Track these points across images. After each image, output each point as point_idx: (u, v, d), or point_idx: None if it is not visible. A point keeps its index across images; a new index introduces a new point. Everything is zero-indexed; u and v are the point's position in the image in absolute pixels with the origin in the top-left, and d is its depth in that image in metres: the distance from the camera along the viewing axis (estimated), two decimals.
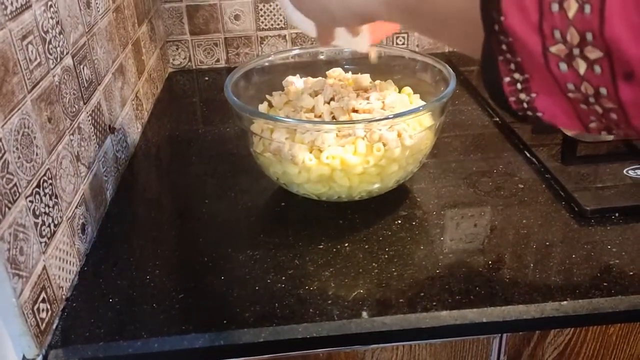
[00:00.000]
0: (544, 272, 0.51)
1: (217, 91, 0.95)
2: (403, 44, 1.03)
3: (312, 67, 0.71)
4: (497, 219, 0.59)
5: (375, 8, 0.35)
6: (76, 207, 0.53)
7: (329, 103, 0.61)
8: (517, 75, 0.27)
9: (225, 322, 0.47)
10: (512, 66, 0.27)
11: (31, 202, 0.44)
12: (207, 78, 1.00)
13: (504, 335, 0.50)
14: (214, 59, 1.02)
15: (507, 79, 0.28)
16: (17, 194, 0.42)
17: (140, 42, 0.82)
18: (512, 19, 0.25)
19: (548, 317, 0.48)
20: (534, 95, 0.28)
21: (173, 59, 1.01)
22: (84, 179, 0.56)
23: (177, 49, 1.01)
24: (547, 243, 0.55)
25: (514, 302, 0.48)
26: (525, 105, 0.29)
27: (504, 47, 0.27)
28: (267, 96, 0.67)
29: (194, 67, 1.03)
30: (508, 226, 0.57)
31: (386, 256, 0.54)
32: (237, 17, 0.99)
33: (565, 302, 0.48)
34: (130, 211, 0.63)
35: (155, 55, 0.91)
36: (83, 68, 0.58)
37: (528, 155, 0.69)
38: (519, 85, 0.28)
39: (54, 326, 0.47)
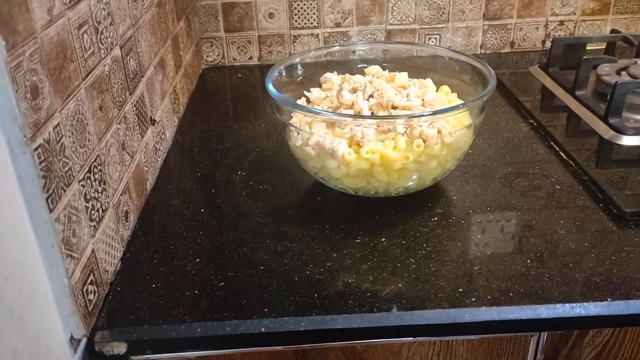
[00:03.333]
0: (584, 272, 0.51)
1: (250, 88, 0.97)
2: (435, 45, 1.03)
3: (348, 66, 0.72)
4: (534, 218, 0.59)
5: None
6: (121, 195, 0.55)
7: (368, 100, 0.62)
8: None
9: (266, 310, 0.48)
10: None
11: (83, 186, 0.46)
12: (239, 75, 1.01)
13: (542, 333, 0.50)
14: (247, 57, 1.03)
15: None
16: (72, 178, 0.43)
17: (178, 37, 0.83)
18: None
19: (588, 316, 0.48)
20: None
21: (207, 56, 1.03)
22: (128, 168, 0.57)
23: (212, 46, 1.02)
24: (586, 244, 0.55)
25: (554, 301, 0.48)
26: None
27: None
28: (305, 92, 0.68)
29: (226, 64, 1.04)
30: (545, 226, 0.57)
31: (423, 252, 0.54)
32: (271, 15, 1.00)
33: (605, 302, 0.48)
34: (169, 202, 0.64)
35: (191, 51, 0.93)
36: (129, 59, 0.59)
37: (564, 157, 0.69)
38: None
39: (100, 308, 0.48)
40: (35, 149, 0.38)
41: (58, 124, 0.41)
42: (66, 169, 0.42)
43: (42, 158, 0.39)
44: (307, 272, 0.52)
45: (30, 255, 0.39)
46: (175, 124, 0.80)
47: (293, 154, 0.63)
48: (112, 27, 0.54)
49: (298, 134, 0.60)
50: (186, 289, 0.51)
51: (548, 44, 0.96)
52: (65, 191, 0.42)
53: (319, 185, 0.64)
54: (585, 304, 0.48)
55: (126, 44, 0.58)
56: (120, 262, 0.54)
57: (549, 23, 1.03)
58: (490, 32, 1.03)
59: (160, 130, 0.71)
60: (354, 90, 0.63)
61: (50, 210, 0.40)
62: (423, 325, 0.48)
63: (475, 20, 1.02)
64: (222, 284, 0.51)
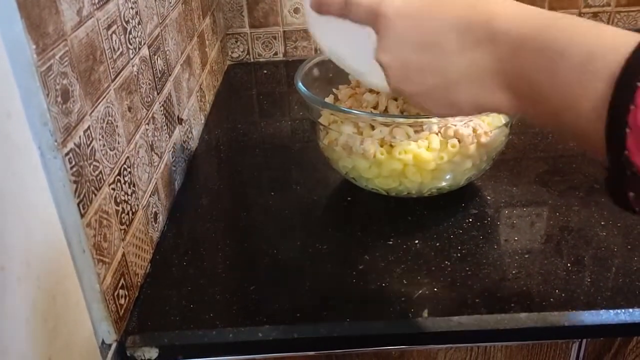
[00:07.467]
0: (627, 276, 0.49)
1: (275, 84, 0.96)
2: None
3: None
4: (573, 219, 0.57)
5: (503, 104, 0.36)
6: (150, 196, 0.54)
7: (396, 99, 0.60)
8: None
9: (298, 315, 0.47)
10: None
11: (113, 189, 0.45)
12: (265, 71, 1.00)
13: (584, 340, 0.48)
14: (272, 52, 1.02)
15: (632, 194, 0.30)
16: (102, 182, 0.43)
17: (204, 34, 0.82)
18: (636, 157, 0.28)
19: (633, 323, 0.46)
20: None
21: (232, 52, 1.02)
22: (157, 169, 0.57)
23: (237, 42, 1.01)
24: (629, 246, 0.52)
25: (597, 307, 0.46)
26: None
27: (628, 173, 0.28)
28: (334, 89, 0.66)
29: (252, 60, 1.03)
30: (585, 227, 0.55)
31: (458, 255, 0.53)
32: (296, 11, 0.99)
33: None
34: (197, 201, 0.63)
35: (216, 47, 0.92)
36: (157, 59, 0.58)
37: None
38: None
39: (131, 312, 0.48)
40: (66, 154, 0.37)
41: (88, 127, 0.41)
42: (97, 172, 0.42)
43: (73, 163, 0.38)
44: (339, 275, 0.51)
45: (62, 262, 0.38)
46: (202, 122, 0.79)
47: (322, 153, 0.62)
48: (140, 26, 0.53)
49: (327, 132, 0.59)
50: (216, 292, 0.50)
51: None
52: (96, 195, 0.42)
53: (348, 184, 0.63)
54: (631, 310, 0.46)
55: (154, 43, 0.58)
56: (149, 265, 0.53)
57: (582, 14, 1.00)
58: None
59: (187, 129, 0.70)
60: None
61: (82, 216, 0.39)
62: (460, 332, 0.46)
63: None
64: (253, 287, 0.50)
